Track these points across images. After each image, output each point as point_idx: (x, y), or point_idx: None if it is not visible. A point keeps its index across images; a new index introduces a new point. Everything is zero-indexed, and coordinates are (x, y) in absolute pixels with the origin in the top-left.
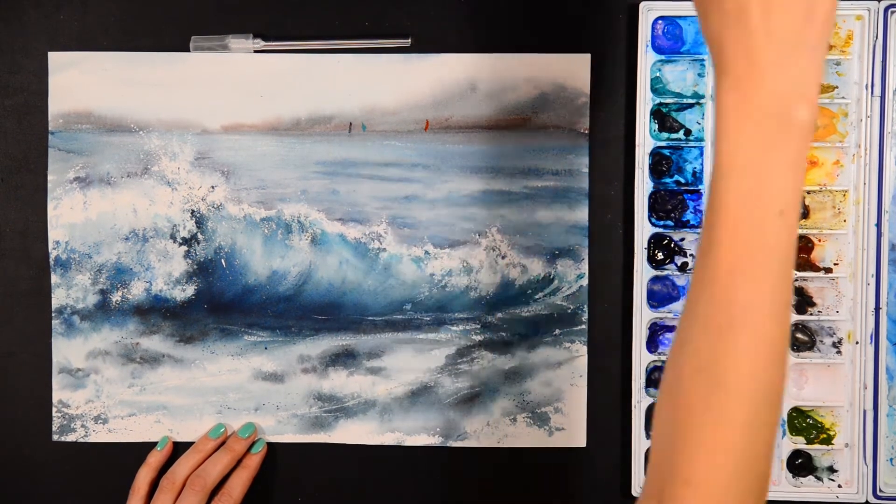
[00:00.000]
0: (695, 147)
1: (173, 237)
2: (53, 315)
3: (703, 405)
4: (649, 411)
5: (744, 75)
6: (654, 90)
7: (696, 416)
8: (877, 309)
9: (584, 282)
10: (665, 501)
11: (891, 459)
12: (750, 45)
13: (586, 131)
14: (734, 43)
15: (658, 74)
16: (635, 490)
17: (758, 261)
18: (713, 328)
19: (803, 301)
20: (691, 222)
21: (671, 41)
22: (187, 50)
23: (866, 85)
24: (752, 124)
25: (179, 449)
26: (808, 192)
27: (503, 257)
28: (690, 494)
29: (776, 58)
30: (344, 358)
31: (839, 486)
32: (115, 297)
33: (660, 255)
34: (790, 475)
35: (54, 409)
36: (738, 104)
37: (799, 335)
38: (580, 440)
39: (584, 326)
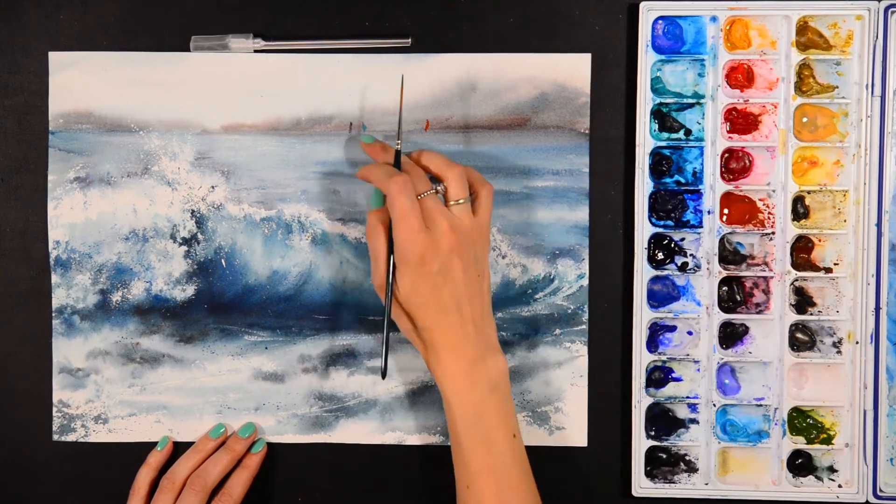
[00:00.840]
0: (695, 147)
1: (173, 237)
2: (53, 315)
3: None
4: (649, 411)
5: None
6: (654, 90)
7: None
8: (877, 309)
9: (585, 282)
10: None
11: (891, 459)
12: (437, 361)
13: (586, 131)
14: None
15: (658, 74)
16: (635, 490)
17: (517, 481)
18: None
19: (803, 301)
20: (691, 222)
21: (671, 41)
22: (187, 50)
23: (866, 85)
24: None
25: (180, 449)
26: (809, 192)
27: (503, 257)
28: None
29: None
30: (344, 358)
31: (839, 486)
32: (116, 297)
33: (660, 255)
34: (790, 475)
35: (54, 409)
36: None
37: (799, 335)
38: (580, 440)
39: (584, 326)
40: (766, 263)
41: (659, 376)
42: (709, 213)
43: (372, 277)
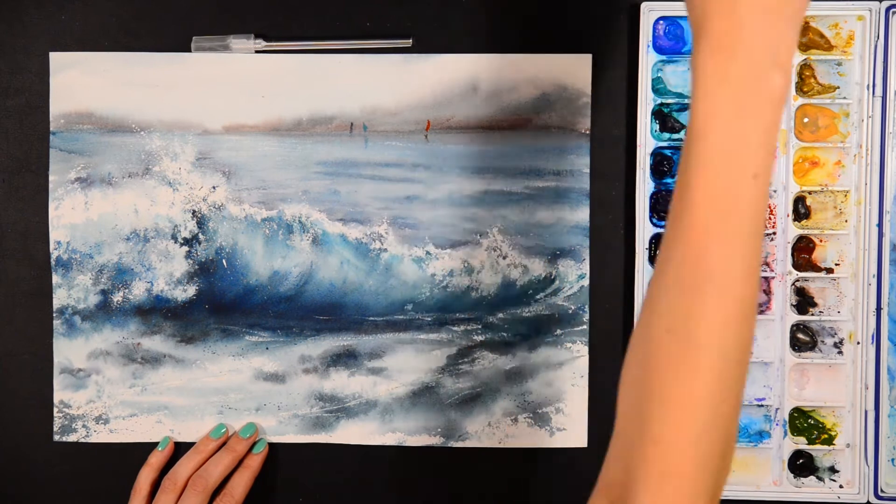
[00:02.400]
0: None
1: (174, 237)
2: (55, 315)
3: (674, 363)
4: None
5: (724, 39)
6: (655, 90)
7: (667, 374)
8: (878, 309)
9: (586, 282)
10: (632, 464)
11: (892, 460)
12: (733, 9)
13: (587, 131)
14: (717, 7)
15: (659, 75)
16: None
17: (731, 223)
18: (686, 288)
19: (805, 301)
20: None
21: (672, 41)
22: (188, 50)
23: (868, 85)
24: (729, 89)
25: (181, 449)
26: (810, 193)
27: (504, 257)
28: (659, 453)
29: (756, 23)
30: (345, 358)
31: (840, 486)
32: (117, 298)
33: None
34: (791, 475)
35: (55, 410)
36: (716, 68)
37: (800, 335)
38: (581, 440)
39: (585, 327)
40: (766, 264)
41: None
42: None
43: None
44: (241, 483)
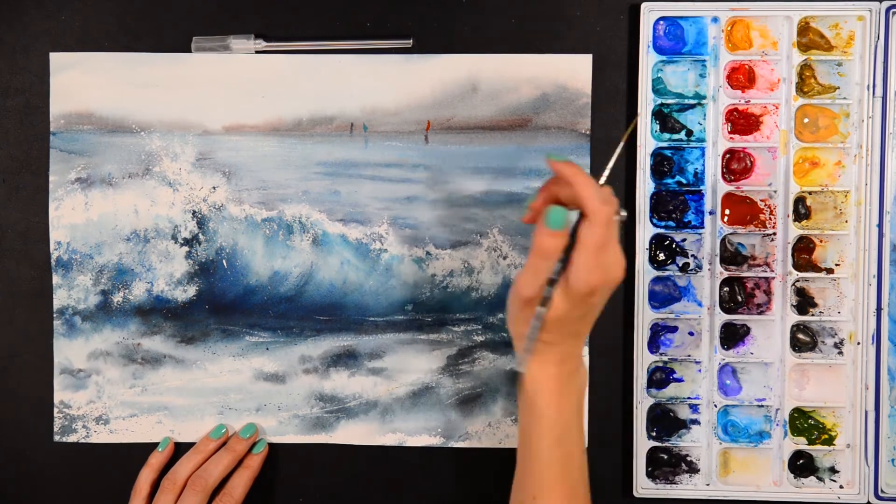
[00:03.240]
0: (696, 148)
1: (174, 238)
2: (55, 316)
3: None
4: (651, 411)
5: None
6: (655, 91)
7: None
8: (878, 309)
9: None
10: None
11: (892, 460)
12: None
13: (587, 132)
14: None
15: (659, 75)
16: (637, 490)
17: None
18: None
19: (805, 302)
20: (693, 223)
21: (673, 42)
22: (189, 50)
23: (868, 86)
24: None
25: (181, 449)
26: (810, 193)
27: (504, 258)
28: None
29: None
30: (345, 358)
31: (841, 486)
32: (117, 298)
33: (661, 256)
34: (791, 476)
35: (55, 410)
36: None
37: (800, 336)
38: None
39: None
40: (767, 264)
41: (660, 377)
42: (710, 213)
43: (517, 286)
44: (241, 483)
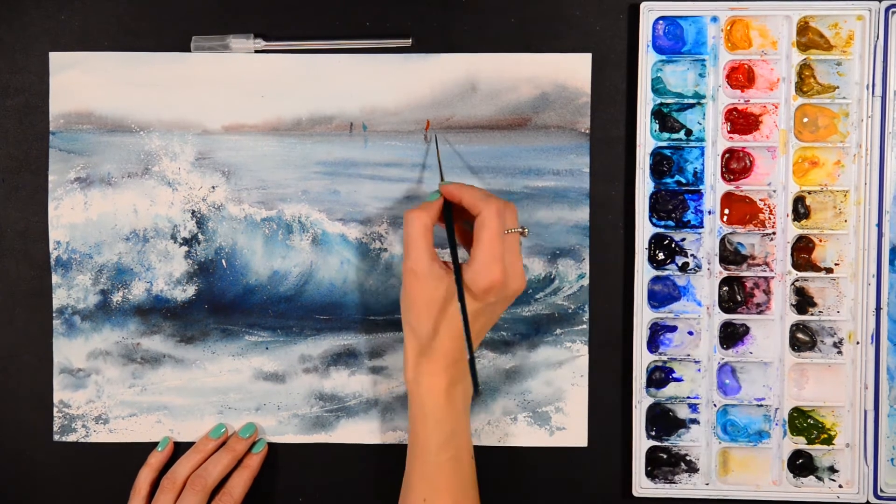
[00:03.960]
0: (696, 147)
1: (174, 237)
2: (54, 315)
3: None
4: (650, 411)
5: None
6: (654, 90)
7: None
8: (878, 309)
9: (585, 281)
10: None
11: (892, 459)
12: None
13: (587, 131)
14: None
15: (659, 74)
16: (636, 490)
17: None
18: None
19: (804, 301)
20: (692, 222)
21: (672, 41)
22: (188, 50)
23: (867, 85)
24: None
25: (180, 449)
26: (809, 193)
27: None
28: None
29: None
30: (345, 357)
31: (840, 486)
32: (116, 298)
33: (660, 255)
34: (791, 475)
35: (55, 410)
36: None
37: (800, 335)
38: (581, 440)
39: (584, 326)
40: (766, 264)
41: (659, 376)
42: (709, 213)
43: (405, 262)
44: (240, 482)
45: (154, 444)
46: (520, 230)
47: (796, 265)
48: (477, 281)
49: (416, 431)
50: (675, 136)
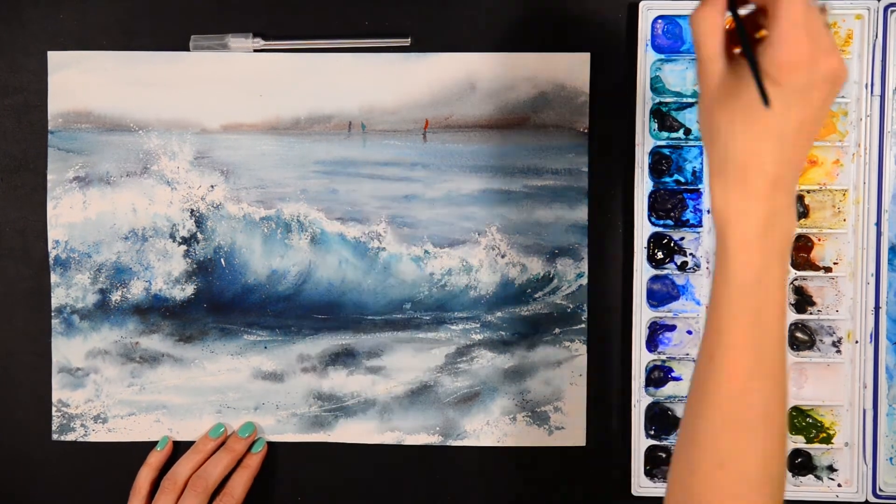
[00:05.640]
0: (694, 146)
1: (173, 236)
2: (53, 314)
3: (728, 498)
4: (649, 410)
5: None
6: (653, 89)
7: None
8: (876, 308)
9: (584, 281)
10: None
11: (890, 459)
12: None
13: (586, 130)
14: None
15: (658, 73)
16: (635, 489)
17: (767, 362)
18: (733, 425)
19: (803, 300)
20: (691, 221)
21: (671, 40)
22: (187, 49)
23: (866, 84)
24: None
25: (179, 448)
26: (808, 192)
27: (503, 256)
28: None
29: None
30: (344, 357)
31: (839, 485)
32: (115, 297)
33: (659, 255)
34: (790, 474)
35: (54, 409)
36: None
37: (798, 334)
38: (580, 439)
39: (583, 325)
40: None
41: (658, 375)
42: (708, 212)
43: (696, 65)
44: (241, 483)
45: (153, 444)
46: (822, 5)
47: (795, 264)
48: (776, 56)
49: (717, 273)
50: (673, 135)
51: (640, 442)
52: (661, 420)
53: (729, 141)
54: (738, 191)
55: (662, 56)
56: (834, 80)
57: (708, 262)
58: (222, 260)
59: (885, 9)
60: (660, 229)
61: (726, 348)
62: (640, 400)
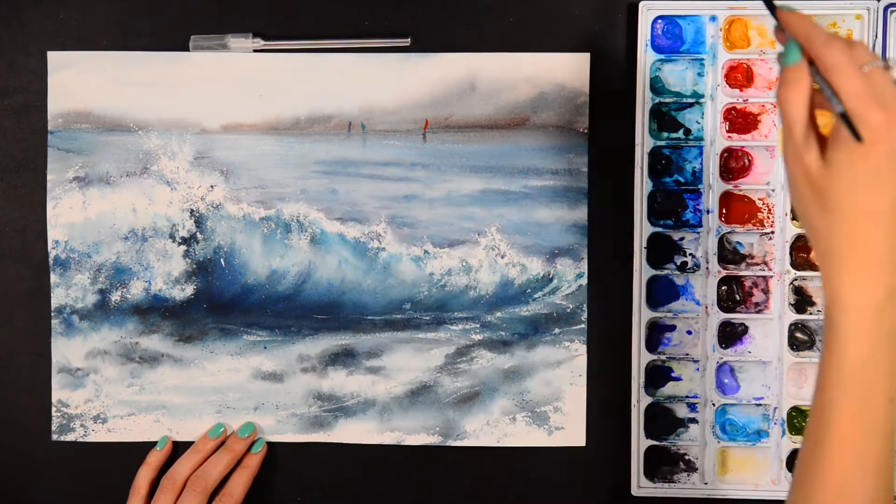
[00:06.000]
0: (694, 146)
1: (172, 237)
2: (53, 315)
3: None
4: (649, 410)
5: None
6: (653, 89)
7: None
8: None
9: (584, 281)
10: None
11: None
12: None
13: (585, 130)
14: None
15: (658, 74)
16: (635, 489)
17: (874, 450)
18: None
19: (803, 300)
20: (691, 221)
21: (671, 40)
22: (187, 49)
23: None
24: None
25: (179, 448)
26: None
27: (502, 256)
28: None
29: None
30: (343, 357)
31: None
32: (115, 297)
33: (659, 255)
34: (790, 474)
35: (54, 409)
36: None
37: (798, 334)
38: (580, 439)
39: (583, 325)
40: (765, 263)
41: (658, 376)
42: (708, 212)
43: (783, 148)
44: (240, 483)
45: (153, 444)
46: (883, 64)
47: (795, 264)
48: (857, 114)
49: (824, 358)
50: (673, 135)
51: (640, 442)
52: (661, 420)
53: (827, 227)
54: (846, 275)
55: (662, 56)
56: None
57: (708, 263)
58: (222, 260)
59: (885, 9)
60: (659, 229)
61: (830, 435)
62: (640, 400)
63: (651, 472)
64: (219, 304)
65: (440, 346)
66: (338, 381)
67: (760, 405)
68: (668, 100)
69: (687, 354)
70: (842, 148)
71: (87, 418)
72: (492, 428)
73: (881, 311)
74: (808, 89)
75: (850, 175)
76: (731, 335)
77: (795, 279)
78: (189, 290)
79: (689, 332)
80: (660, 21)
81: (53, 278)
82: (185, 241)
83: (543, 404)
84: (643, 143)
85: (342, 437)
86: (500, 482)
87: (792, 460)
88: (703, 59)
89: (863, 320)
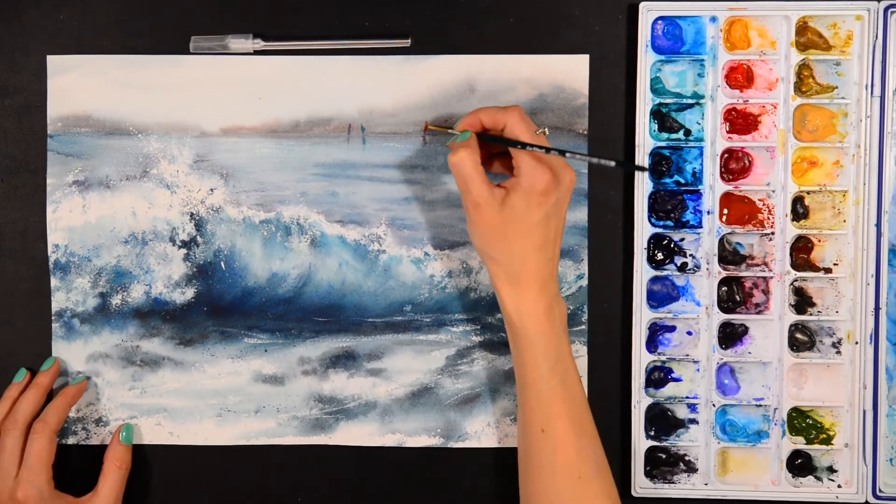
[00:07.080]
0: (694, 147)
1: (172, 240)
2: (53, 318)
3: None
4: (649, 411)
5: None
6: (653, 90)
7: None
8: (876, 309)
9: (584, 282)
10: None
11: (890, 459)
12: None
13: (585, 132)
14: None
15: (658, 74)
16: (635, 490)
17: (588, 422)
18: (573, 481)
19: (803, 301)
20: (691, 222)
21: (671, 41)
22: (187, 50)
23: (866, 85)
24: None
25: (179, 449)
26: (808, 193)
27: None
28: None
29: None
30: (344, 360)
31: (839, 486)
32: (115, 301)
33: (659, 256)
34: (790, 475)
35: None
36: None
37: (798, 335)
38: None
39: (583, 326)
40: (765, 264)
41: (658, 376)
42: (708, 213)
43: (463, 200)
44: (53, 408)
45: (154, 447)
46: (543, 131)
47: (795, 265)
48: (533, 186)
49: (524, 361)
50: (673, 136)
51: (640, 442)
52: (662, 421)
53: (507, 257)
54: (524, 293)
55: (662, 57)
56: (571, 186)
57: (708, 264)
58: (222, 263)
59: (885, 10)
60: (660, 230)
61: (553, 419)
62: (640, 401)
63: (651, 473)
64: (219, 307)
65: (441, 347)
66: (339, 384)
67: (760, 406)
68: (668, 101)
69: (687, 355)
70: (520, 197)
71: (88, 421)
72: (493, 429)
73: (551, 312)
74: (477, 155)
75: (525, 216)
76: (731, 336)
77: (795, 280)
78: (189, 293)
79: (690, 333)
80: (660, 22)
81: (54, 282)
82: (185, 244)
83: None
84: (643, 143)
85: (343, 439)
86: (502, 483)
87: (792, 461)
88: (703, 60)
89: (542, 323)
